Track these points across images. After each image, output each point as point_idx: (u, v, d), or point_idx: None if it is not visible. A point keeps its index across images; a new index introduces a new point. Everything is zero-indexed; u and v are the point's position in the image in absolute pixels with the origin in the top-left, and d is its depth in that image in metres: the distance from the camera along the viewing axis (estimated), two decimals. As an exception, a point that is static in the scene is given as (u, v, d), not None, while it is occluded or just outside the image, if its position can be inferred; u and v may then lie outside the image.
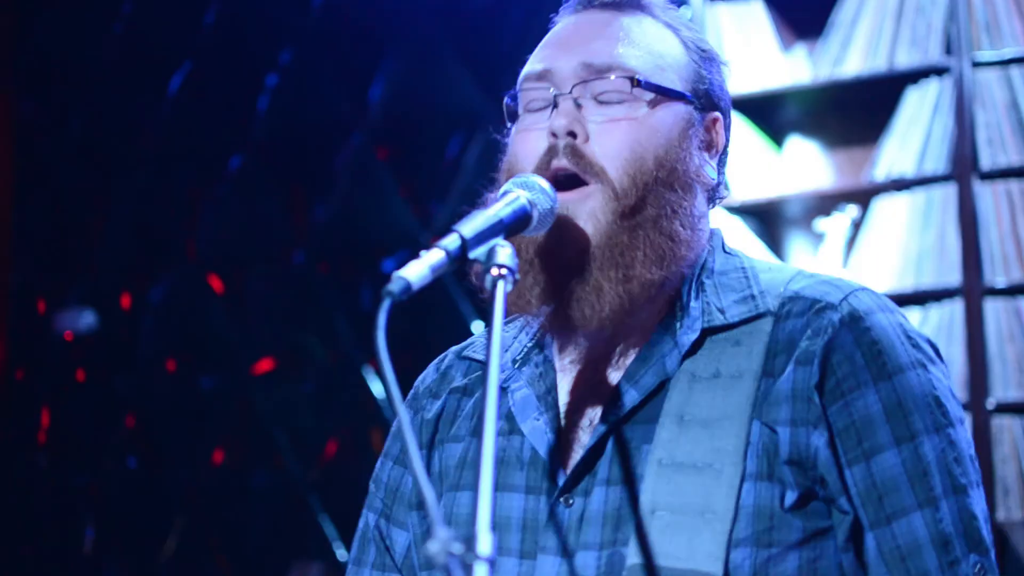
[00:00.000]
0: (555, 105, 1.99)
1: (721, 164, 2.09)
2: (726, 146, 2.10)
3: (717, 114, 2.07)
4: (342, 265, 6.47)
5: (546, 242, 1.94)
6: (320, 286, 6.40)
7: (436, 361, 2.26)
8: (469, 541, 1.45)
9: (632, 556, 1.85)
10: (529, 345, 2.10)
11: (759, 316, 1.95)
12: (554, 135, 1.97)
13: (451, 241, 1.78)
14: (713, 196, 2.08)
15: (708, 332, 1.96)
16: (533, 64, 2.06)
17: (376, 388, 6.17)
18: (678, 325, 1.97)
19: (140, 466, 6.73)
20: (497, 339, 1.69)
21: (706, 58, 2.08)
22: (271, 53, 6.51)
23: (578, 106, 1.98)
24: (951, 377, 1.98)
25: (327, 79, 6.42)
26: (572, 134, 1.96)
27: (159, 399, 6.70)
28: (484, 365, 2.10)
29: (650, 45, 2.03)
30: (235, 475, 6.59)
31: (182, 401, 6.67)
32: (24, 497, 6.65)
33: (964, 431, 1.93)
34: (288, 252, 6.47)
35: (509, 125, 2.08)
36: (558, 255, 1.94)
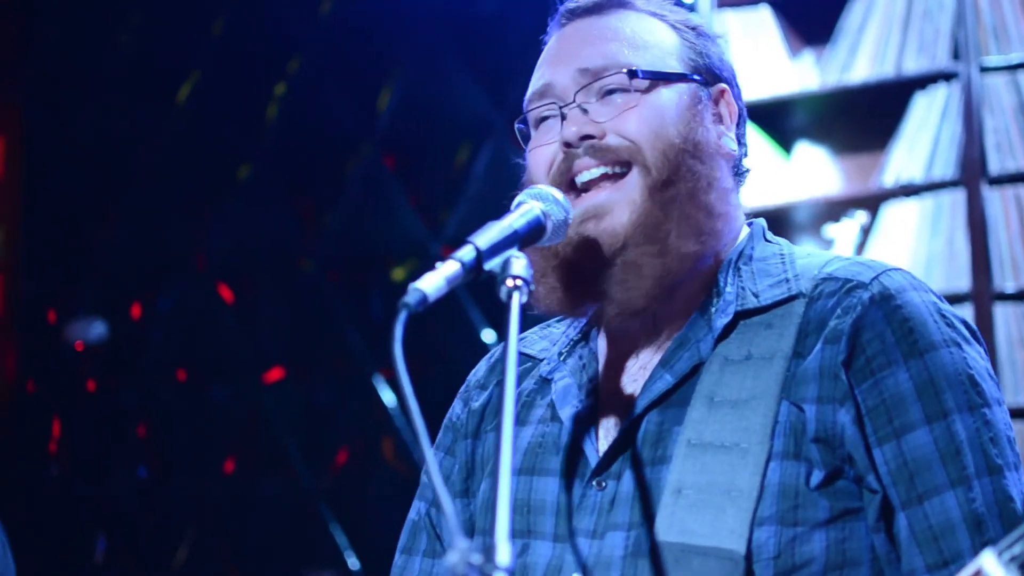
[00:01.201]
0: (563, 117, 2.02)
1: (741, 134, 2.12)
2: (741, 115, 2.13)
3: (723, 85, 2.10)
4: (351, 274, 6.48)
5: (581, 242, 1.96)
6: (329, 295, 6.41)
7: (487, 356, 2.30)
8: (488, 551, 1.46)
9: (658, 535, 1.87)
10: (575, 338, 2.13)
11: (792, 298, 1.95)
12: (568, 144, 1.99)
13: (466, 253, 1.79)
14: (738, 170, 2.11)
15: (741, 316, 1.97)
16: (533, 85, 2.09)
17: (387, 397, 6.17)
18: (713, 310, 1.99)
19: (151, 475, 6.73)
20: (513, 350, 1.70)
21: (699, 34, 2.12)
22: (280, 63, 6.52)
23: (584, 111, 2.01)
24: (988, 359, 1.95)
25: (336, 89, 6.43)
26: (588, 136, 1.99)
27: (169, 409, 6.71)
28: (530, 359, 2.16)
29: (638, 36, 2.06)
30: (246, 484, 6.60)
31: (192, 411, 6.68)
32: (35, 506, 6.65)
33: (1003, 412, 1.91)
34: (298, 261, 6.48)
35: (525, 148, 2.10)
36: (596, 251, 1.96)
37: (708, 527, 1.84)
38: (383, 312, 6.41)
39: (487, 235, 1.82)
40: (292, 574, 6.13)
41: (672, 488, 1.88)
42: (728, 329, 1.96)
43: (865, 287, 1.92)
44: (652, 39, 2.06)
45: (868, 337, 1.88)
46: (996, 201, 4.70)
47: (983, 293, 4.63)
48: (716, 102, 2.08)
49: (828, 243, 5.04)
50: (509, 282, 1.78)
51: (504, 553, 1.46)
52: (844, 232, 4.98)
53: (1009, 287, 4.63)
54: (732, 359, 1.94)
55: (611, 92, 2.01)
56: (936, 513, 1.83)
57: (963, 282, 4.68)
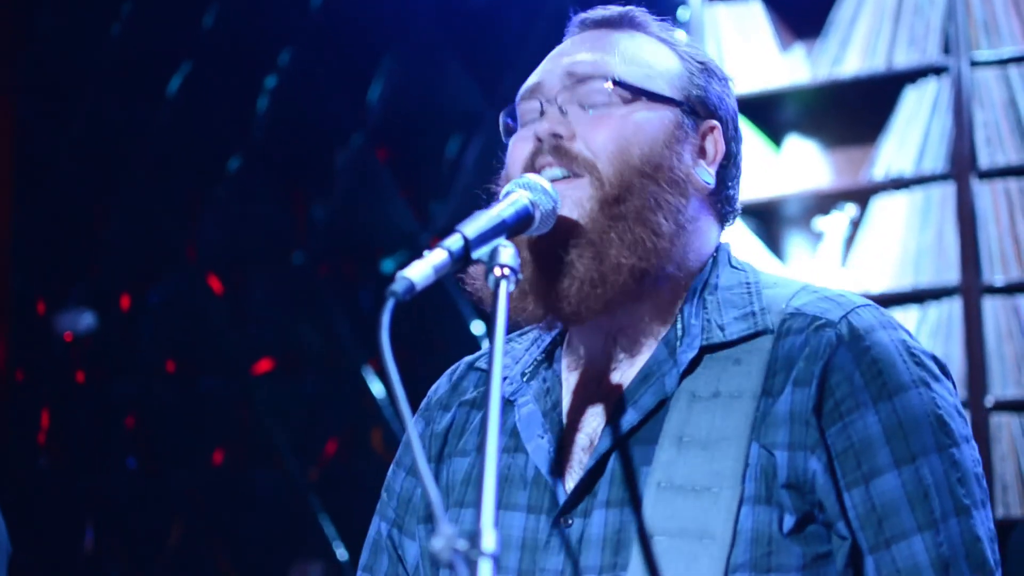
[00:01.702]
0: (542, 113, 2.03)
1: (727, 177, 2.10)
2: (732, 159, 2.10)
3: (714, 122, 2.08)
4: (342, 266, 6.48)
5: (538, 239, 1.95)
6: (320, 287, 6.41)
7: (449, 371, 2.25)
8: (473, 538, 1.46)
9: None
10: (539, 359, 2.10)
11: (759, 334, 1.93)
12: (539, 138, 1.99)
13: (454, 241, 1.79)
14: (721, 211, 2.09)
15: (707, 350, 1.95)
16: (528, 81, 2.10)
17: (376, 388, 6.17)
18: (678, 344, 1.96)
19: (140, 467, 6.73)
20: (500, 339, 1.70)
21: (704, 70, 2.10)
22: (271, 54, 6.52)
23: (563, 112, 2.01)
24: (957, 394, 1.95)
25: (326, 80, 6.43)
26: (557, 135, 1.99)
27: (159, 400, 6.71)
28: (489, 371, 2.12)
29: (639, 55, 2.05)
30: (235, 476, 6.60)
31: (182, 402, 6.68)
32: (24, 498, 6.65)
33: (970, 449, 1.90)
34: (288, 253, 6.48)
35: (506, 141, 2.10)
36: (544, 244, 1.95)
37: (682, 574, 1.83)
38: (373, 304, 6.41)
39: (475, 224, 1.82)
40: (281, 565, 6.13)
41: (644, 533, 1.86)
42: (694, 363, 1.94)
43: (833, 326, 1.90)
44: (651, 59, 2.06)
45: (837, 379, 1.86)
46: (986, 195, 4.71)
47: (972, 286, 4.64)
48: (703, 136, 2.06)
49: (818, 236, 5.04)
50: (496, 271, 1.77)
51: (489, 539, 1.47)
52: (833, 225, 4.99)
53: (998, 280, 4.63)
54: (700, 395, 1.91)
55: (593, 99, 2.01)
56: (903, 557, 1.83)
57: (952, 275, 4.68)
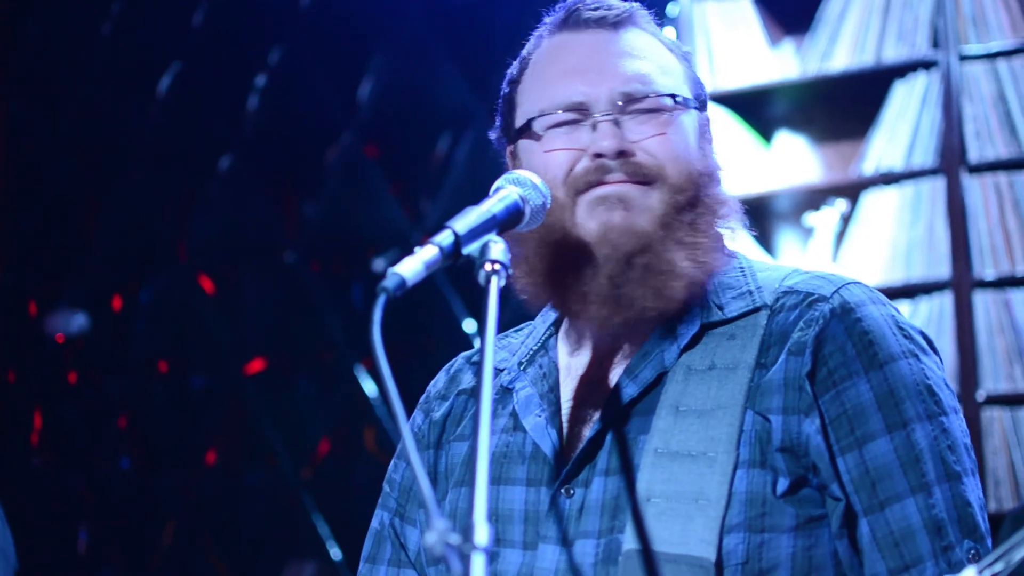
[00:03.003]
0: (594, 127, 2.03)
1: None
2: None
3: (707, 112, 2.16)
4: (333, 264, 6.49)
5: (592, 230, 1.99)
6: (311, 285, 6.40)
7: (447, 367, 2.29)
8: (466, 531, 1.47)
9: (628, 542, 1.89)
10: (535, 348, 2.14)
11: (755, 310, 1.99)
12: (600, 155, 2.01)
13: (444, 237, 1.80)
14: None
15: (706, 327, 2.00)
16: (563, 93, 2.07)
17: (368, 387, 6.18)
18: (679, 323, 2.01)
19: (133, 467, 6.73)
20: (491, 333, 1.71)
21: (689, 63, 2.16)
22: (260, 53, 6.51)
23: (616, 124, 2.03)
24: (944, 368, 2.01)
25: (316, 78, 6.43)
26: (623, 153, 2.01)
27: (151, 400, 6.70)
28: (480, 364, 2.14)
29: (659, 59, 2.09)
30: (228, 475, 6.60)
31: (174, 402, 6.68)
32: (17, 499, 6.64)
33: (959, 420, 1.95)
34: (279, 251, 6.48)
35: (527, 141, 2.09)
36: (614, 243, 1.98)
37: (678, 535, 1.87)
38: (365, 302, 6.42)
39: (465, 220, 1.83)
40: (274, 563, 6.13)
41: (641, 497, 1.90)
42: (693, 340, 2.00)
43: (826, 300, 1.96)
44: (669, 64, 2.10)
45: (830, 349, 1.92)
46: (975, 189, 4.72)
47: (963, 281, 4.65)
48: (708, 127, 2.15)
49: (808, 231, 5.05)
50: (487, 266, 1.79)
51: (482, 533, 1.47)
52: (824, 220, 5.00)
53: (988, 275, 4.65)
54: (696, 368, 1.96)
55: (644, 112, 2.04)
56: (897, 519, 1.87)
57: (943, 270, 4.70)
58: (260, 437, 6.42)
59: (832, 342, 1.92)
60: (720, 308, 2.01)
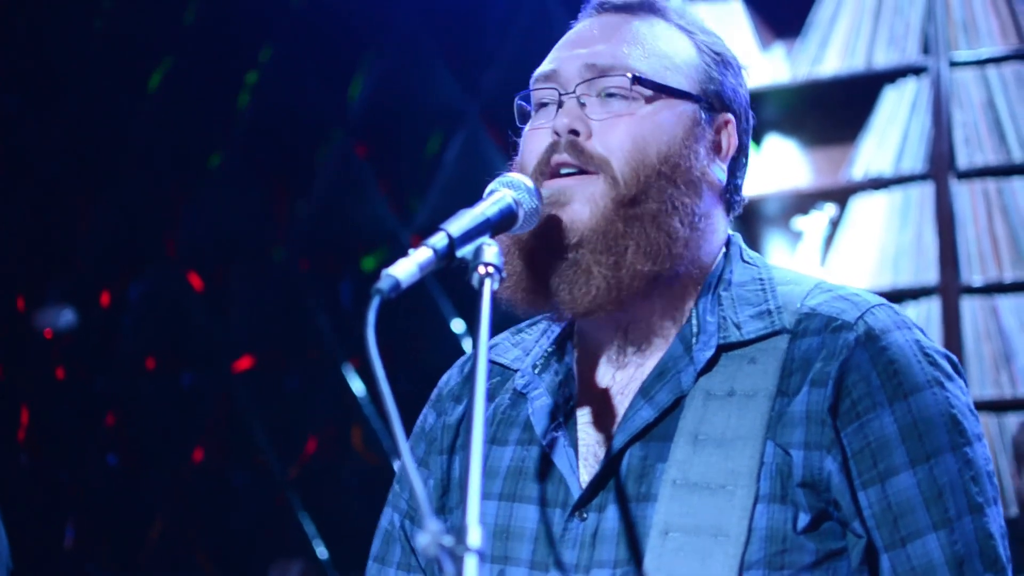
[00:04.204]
0: (560, 104, 2.00)
1: (737, 168, 2.08)
2: (742, 150, 2.08)
3: (728, 116, 2.05)
4: (322, 262, 6.49)
5: (540, 227, 1.94)
6: (300, 283, 6.41)
7: (460, 363, 2.23)
8: (459, 533, 1.47)
9: None
10: (550, 351, 2.09)
11: (775, 333, 1.94)
12: (556, 133, 1.97)
13: (439, 239, 1.79)
14: (729, 202, 2.07)
15: (724, 348, 1.95)
16: (544, 66, 2.06)
17: (356, 386, 6.18)
18: (694, 340, 1.96)
19: (120, 464, 6.73)
20: (484, 336, 1.70)
21: (719, 61, 2.07)
22: (252, 51, 6.52)
23: (581, 104, 1.99)
24: (969, 392, 1.98)
25: (307, 76, 6.43)
26: (575, 131, 1.97)
27: (139, 397, 6.70)
28: (503, 368, 2.11)
29: (657, 46, 2.03)
30: (215, 473, 6.60)
31: (162, 399, 6.68)
32: (4, 495, 6.64)
33: (983, 447, 1.93)
34: (268, 249, 6.48)
35: (521, 126, 2.08)
36: (554, 235, 1.94)
37: (696, 571, 1.84)
38: (353, 301, 6.42)
39: (459, 222, 1.82)
40: (261, 561, 6.13)
41: (659, 529, 1.87)
42: (711, 362, 1.94)
43: (850, 328, 1.90)
44: (669, 50, 2.03)
45: (854, 379, 1.88)
46: (964, 195, 4.73)
47: (950, 286, 4.67)
48: (717, 131, 2.04)
49: (797, 235, 5.06)
50: (481, 269, 1.77)
51: (475, 535, 1.47)
52: (813, 225, 5.01)
53: (976, 281, 4.66)
54: (715, 394, 1.92)
55: (611, 94, 1.98)
56: (918, 556, 1.85)
57: (931, 275, 4.71)
58: (247, 435, 6.42)
59: (857, 371, 1.88)
60: (738, 327, 1.95)
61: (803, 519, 1.85)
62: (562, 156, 1.95)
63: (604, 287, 1.92)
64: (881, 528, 1.86)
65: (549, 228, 1.95)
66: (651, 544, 1.87)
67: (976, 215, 4.71)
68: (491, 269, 1.78)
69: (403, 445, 1.59)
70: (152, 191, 6.67)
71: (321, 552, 6.16)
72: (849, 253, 4.86)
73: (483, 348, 1.69)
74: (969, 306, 4.67)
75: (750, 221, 5.12)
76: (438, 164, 6.14)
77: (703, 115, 2.03)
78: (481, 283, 1.77)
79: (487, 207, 1.88)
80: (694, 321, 1.98)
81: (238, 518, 6.55)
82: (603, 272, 1.92)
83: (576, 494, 1.95)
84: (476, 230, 1.83)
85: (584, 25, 2.09)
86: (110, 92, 6.73)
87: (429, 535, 1.47)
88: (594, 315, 1.95)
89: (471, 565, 1.45)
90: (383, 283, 1.70)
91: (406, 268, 1.73)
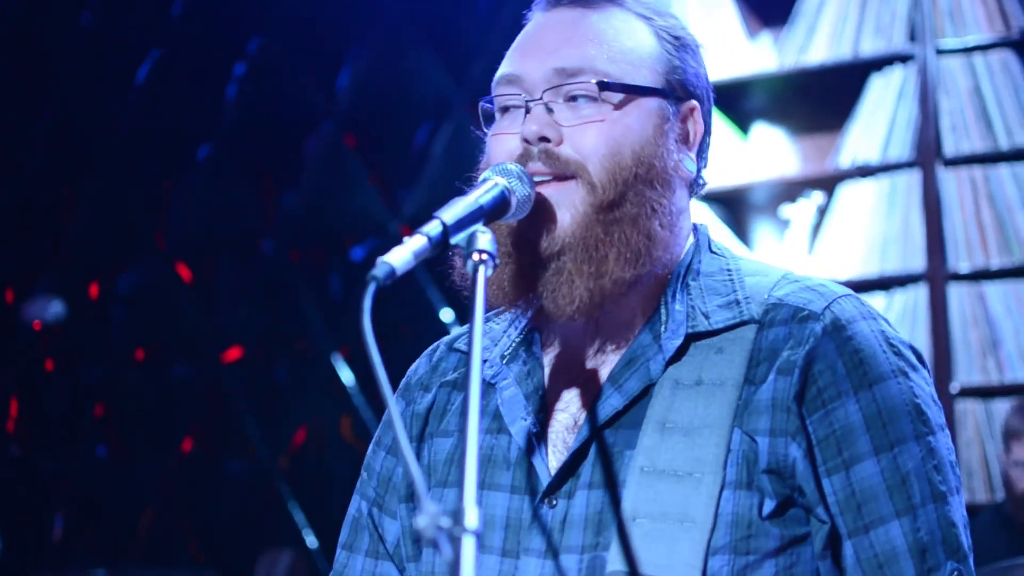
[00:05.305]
0: (527, 111, 1.98)
1: (701, 153, 2.08)
2: (707, 131, 2.09)
3: (693, 103, 2.05)
4: (311, 253, 6.49)
5: (521, 229, 1.94)
6: (289, 274, 6.41)
7: (428, 351, 2.24)
8: (456, 515, 1.49)
9: (613, 562, 1.87)
10: (517, 340, 2.10)
11: (743, 323, 1.95)
12: (526, 141, 1.96)
13: (433, 227, 1.79)
14: (692, 188, 2.07)
15: (692, 338, 1.96)
16: (505, 68, 2.04)
17: (345, 376, 6.19)
18: (663, 328, 1.97)
19: (110, 455, 6.73)
20: (479, 322, 1.71)
21: (680, 46, 2.06)
22: (240, 42, 6.52)
23: (549, 110, 1.97)
24: (932, 383, 2.00)
25: (295, 68, 6.43)
26: (545, 138, 1.95)
27: (128, 388, 6.70)
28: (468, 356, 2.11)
29: (620, 42, 2.01)
30: (205, 463, 6.60)
31: (151, 390, 6.68)
32: (-6, 486, 6.65)
33: (945, 437, 1.95)
34: (257, 240, 6.48)
35: (486, 128, 2.07)
36: (534, 242, 1.94)
37: (663, 557, 1.86)
38: (342, 291, 6.42)
39: (453, 210, 1.83)
40: (251, 552, 6.14)
41: (626, 515, 1.88)
42: (679, 351, 1.95)
43: (817, 318, 1.92)
44: (632, 45, 2.01)
45: (820, 368, 1.89)
46: (951, 182, 4.75)
47: (937, 273, 4.68)
48: (684, 120, 2.04)
49: (785, 223, 5.07)
50: (475, 256, 1.78)
51: (472, 516, 1.49)
52: (800, 212, 5.02)
53: (963, 268, 4.68)
54: (683, 383, 1.93)
55: (578, 98, 1.97)
56: (881, 542, 1.87)
57: (918, 262, 4.73)
58: (237, 425, 6.43)
59: (823, 360, 1.90)
60: (706, 316, 1.96)
61: (768, 505, 1.87)
62: (536, 165, 1.94)
63: (587, 296, 1.92)
64: (845, 515, 1.88)
65: (530, 235, 1.94)
66: (619, 530, 1.88)
67: (963, 202, 4.72)
68: (485, 256, 1.79)
69: (400, 431, 1.60)
70: (141, 183, 6.67)
71: (311, 541, 6.17)
72: (836, 241, 4.88)
73: (477, 334, 1.70)
74: (956, 293, 4.68)
75: (737, 209, 5.13)
76: (426, 155, 6.14)
77: (670, 108, 2.02)
78: (475, 270, 1.78)
79: (480, 195, 1.88)
80: (663, 310, 1.99)
81: (228, 508, 6.56)
82: (585, 282, 1.92)
83: (545, 481, 1.96)
84: (470, 218, 1.84)
85: (542, 22, 2.06)
86: (98, 83, 6.72)
87: (427, 517, 1.48)
88: (576, 320, 1.96)
89: (468, 546, 1.47)
90: (378, 270, 1.70)
91: (401, 256, 1.74)
